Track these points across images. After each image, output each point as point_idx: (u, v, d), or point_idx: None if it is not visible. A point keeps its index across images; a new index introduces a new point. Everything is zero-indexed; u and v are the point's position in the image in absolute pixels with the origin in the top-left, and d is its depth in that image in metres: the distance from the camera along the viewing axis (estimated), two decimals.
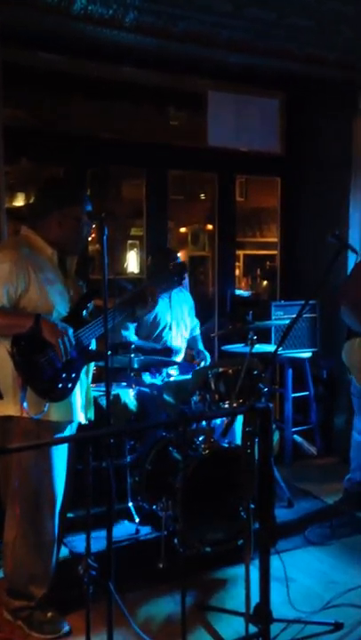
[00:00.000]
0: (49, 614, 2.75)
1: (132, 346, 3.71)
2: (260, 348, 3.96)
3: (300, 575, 3.18)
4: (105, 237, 2.50)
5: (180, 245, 9.80)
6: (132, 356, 3.68)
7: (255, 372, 3.66)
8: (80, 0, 3.45)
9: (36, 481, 2.67)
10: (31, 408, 2.56)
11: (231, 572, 3.19)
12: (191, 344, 4.38)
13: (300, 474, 4.63)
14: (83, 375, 2.77)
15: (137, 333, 4.09)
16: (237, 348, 4.24)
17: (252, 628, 2.46)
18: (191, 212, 9.57)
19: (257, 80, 4.84)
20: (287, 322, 3.83)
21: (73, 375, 2.66)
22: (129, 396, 3.76)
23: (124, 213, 8.07)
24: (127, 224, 8.39)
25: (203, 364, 4.23)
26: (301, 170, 5.38)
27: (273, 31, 3.94)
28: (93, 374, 3.01)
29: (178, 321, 4.23)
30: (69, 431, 2.76)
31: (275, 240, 5.81)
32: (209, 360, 4.28)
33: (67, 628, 2.75)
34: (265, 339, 4.54)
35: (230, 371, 3.65)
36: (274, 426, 4.80)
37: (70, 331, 2.59)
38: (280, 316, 4.80)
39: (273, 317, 4.81)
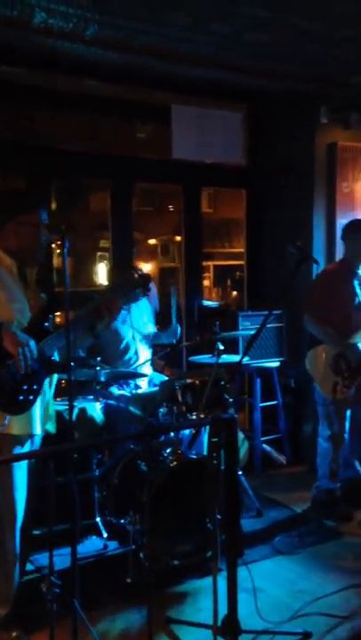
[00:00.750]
0: (13, 634, 2.70)
1: (98, 359, 3.69)
2: (227, 358, 3.97)
3: (269, 585, 3.19)
4: (66, 250, 2.49)
5: (150, 257, 9.82)
6: (98, 368, 3.66)
7: (222, 383, 3.67)
8: (40, 13, 3.45)
9: None
10: None
11: (200, 584, 3.18)
12: (155, 339, 4.34)
13: (270, 483, 4.65)
14: (46, 387, 2.74)
15: (101, 350, 4.03)
16: (205, 358, 4.24)
17: None
18: (160, 224, 9.60)
19: (220, 93, 4.90)
20: (253, 332, 3.86)
21: (35, 387, 2.64)
22: (95, 409, 3.73)
23: (91, 225, 8.06)
24: (95, 236, 8.38)
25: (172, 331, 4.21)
26: (266, 182, 5.45)
27: (233, 46, 3.99)
28: (59, 387, 2.98)
29: (140, 330, 4.21)
30: (29, 445, 2.72)
31: (242, 250, 5.85)
32: (179, 331, 4.26)
33: None
34: (233, 349, 4.56)
35: (197, 382, 3.66)
36: (243, 436, 4.82)
37: (32, 342, 2.56)
38: (247, 327, 4.83)
39: (240, 328, 4.84)
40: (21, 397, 2.58)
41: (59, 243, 2.57)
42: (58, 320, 3.23)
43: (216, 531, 2.71)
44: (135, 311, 4.22)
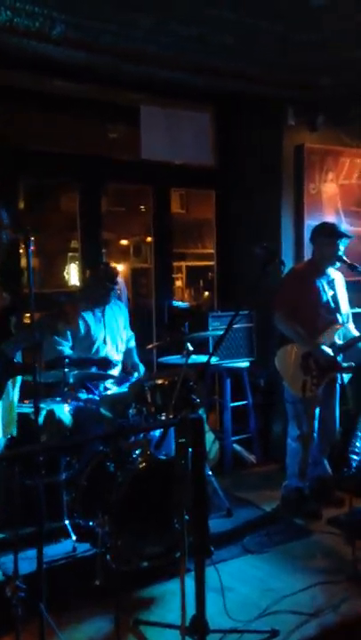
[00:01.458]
0: None
1: (67, 360, 3.66)
2: (197, 358, 3.98)
3: (238, 584, 3.20)
4: (30, 250, 2.47)
5: (122, 257, 9.78)
6: (67, 370, 3.64)
7: (191, 383, 3.68)
8: (5, 12, 3.42)
9: None
10: None
11: (169, 585, 3.17)
12: (126, 356, 4.36)
13: (240, 482, 4.67)
14: (9, 388, 2.71)
15: (73, 349, 4.04)
16: (175, 359, 4.24)
17: None
18: (132, 224, 9.58)
19: (188, 95, 4.92)
20: (222, 332, 3.87)
21: None
22: (64, 411, 3.71)
23: (62, 225, 8.01)
24: (66, 236, 8.32)
25: (136, 376, 4.22)
26: (235, 183, 5.48)
27: (197, 47, 4.00)
28: (25, 390, 2.96)
29: (113, 335, 4.21)
30: None
31: (214, 251, 5.87)
32: (142, 372, 4.27)
33: None
34: (203, 350, 4.57)
35: (166, 382, 3.66)
36: (214, 436, 4.84)
37: None
38: (217, 327, 4.85)
39: (210, 328, 4.85)
40: None
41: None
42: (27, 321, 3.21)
43: (184, 532, 2.71)
44: (109, 314, 4.21)
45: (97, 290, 4.15)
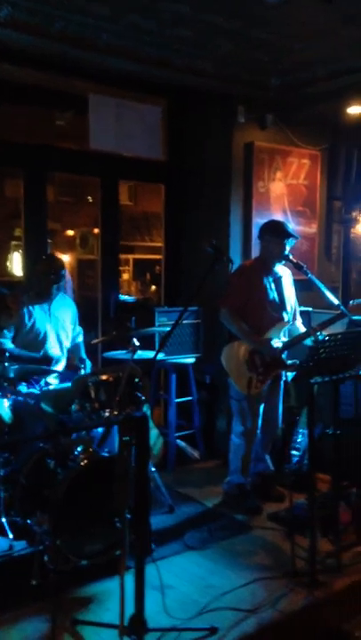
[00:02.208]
0: None
1: (7, 354, 3.56)
2: (142, 354, 3.94)
3: (178, 581, 3.19)
4: None
5: (69, 248, 9.62)
6: (7, 364, 3.53)
7: (136, 380, 3.64)
8: None
9: None
10: None
11: (108, 584, 3.13)
12: (73, 351, 4.29)
13: (183, 478, 4.67)
14: None
15: (14, 341, 3.94)
16: (120, 354, 4.20)
17: None
18: (80, 215, 9.43)
19: (139, 86, 4.84)
20: (170, 328, 3.85)
21: None
22: (3, 406, 3.60)
23: (5, 213, 7.79)
24: (10, 224, 8.11)
25: (83, 371, 4.14)
26: (185, 177, 5.45)
27: (152, 39, 3.95)
28: None
29: (57, 329, 4.12)
30: None
31: (162, 245, 5.84)
32: (89, 368, 4.20)
33: None
34: (149, 345, 4.54)
35: (111, 378, 3.60)
36: (157, 432, 4.82)
37: None
38: (164, 322, 4.82)
39: (157, 323, 4.82)
40: None
41: None
42: None
43: (125, 530, 2.68)
44: (56, 307, 4.11)
45: (41, 282, 4.05)
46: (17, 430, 3.64)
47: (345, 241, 5.95)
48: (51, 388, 3.91)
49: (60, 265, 4.10)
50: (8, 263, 8.65)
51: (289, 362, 4.06)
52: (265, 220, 4.42)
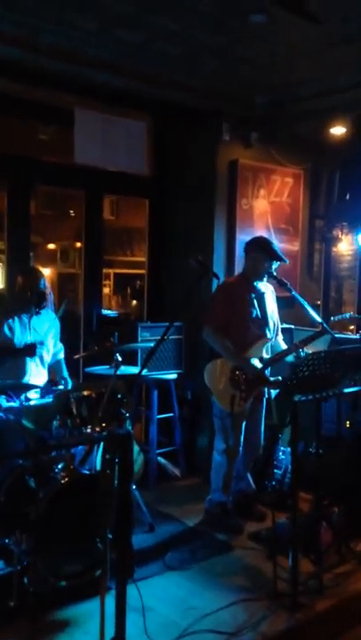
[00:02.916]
0: None
1: None
2: (125, 369, 3.90)
3: (158, 603, 3.13)
4: None
5: (49, 262, 9.57)
6: None
7: (119, 396, 3.59)
8: None
9: None
10: None
11: (88, 605, 3.06)
12: (55, 368, 4.21)
13: (164, 496, 4.61)
14: None
15: None
16: (102, 369, 4.14)
17: None
18: (61, 229, 9.40)
19: (124, 101, 4.85)
20: (153, 343, 3.82)
21: None
22: None
23: None
24: None
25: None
26: (169, 193, 5.46)
27: (139, 54, 3.96)
28: None
29: (38, 341, 4.05)
30: None
31: (144, 260, 5.82)
32: (70, 387, 4.13)
33: None
34: (131, 360, 4.50)
35: (93, 394, 3.55)
36: (138, 448, 4.76)
37: None
38: (146, 338, 4.80)
39: (139, 339, 4.79)
40: None
41: None
42: None
43: (106, 550, 2.62)
44: (37, 322, 4.04)
45: (22, 296, 3.99)
46: None
47: (326, 259, 6.01)
48: (31, 403, 3.84)
49: (40, 277, 4.05)
50: None
51: (272, 379, 4.05)
52: (248, 237, 4.42)
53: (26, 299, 3.94)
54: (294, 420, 3.27)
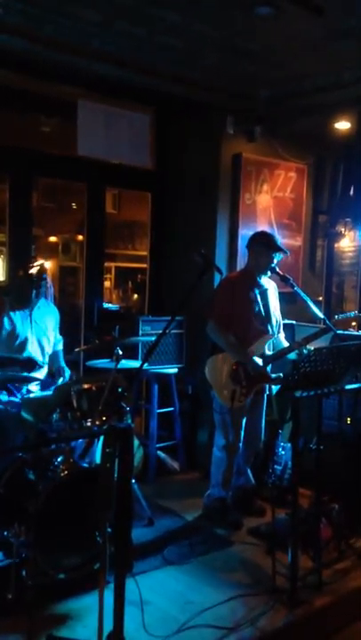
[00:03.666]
0: None
1: None
2: (126, 363, 3.90)
3: (157, 597, 3.13)
4: None
5: (51, 254, 9.53)
6: None
7: (119, 390, 3.58)
8: None
9: None
10: None
11: (87, 599, 3.06)
12: (53, 359, 4.21)
13: (163, 490, 4.61)
14: None
15: None
16: (103, 363, 4.14)
17: None
18: (62, 222, 9.36)
19: (128, 94, 4.82)
20: (154, 337, 3.81)
21: None
22: None
23: None
24: None
25: (61, 380, 4.07)
26: (172, 186, 5.43)
27: (143, 47, 3.93)
28: None
29: (39, 335, 4.04)
30: None
31: (146, 254, 5.80)
32: (68, 377, 4.13)
33: None
34: (132, 354, 4.49)
35: (94, 387, 3.54)
36: (138, 442, 4.76)
37: None
38: (147, 332, 4.78)
39: (140, 333, 4.78)
40: None
41: None
42: None
43: (105, 544, 2.61)
44: (38, 314, 4.04)
45: (23, 288, 3.98)
46: None
47: (329, 255, 5.98)
48: (32, 395, 3.83)
49: (42, 271, 4.04)
50: None
51: (273, 375, 4.04)
52: (251, 232, 4.40)
53: (26, 292, 3.93)
54: (295, 416, 3.26)
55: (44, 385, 3.99)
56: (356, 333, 4.81)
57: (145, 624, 2.81)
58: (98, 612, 2.44)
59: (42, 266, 4.16)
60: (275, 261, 4.04)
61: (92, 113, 4.78)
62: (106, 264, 9.69)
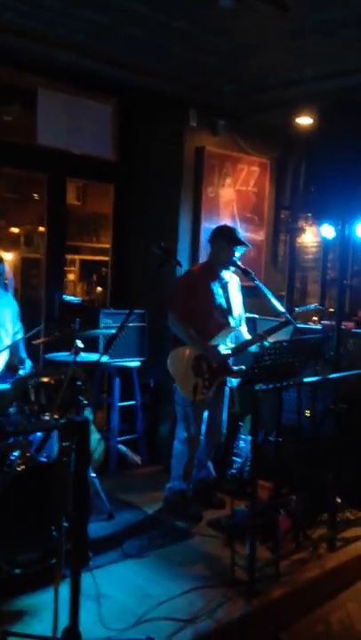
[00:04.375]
0: None
1: None
2: (86, 356, 3.85)
3: (115, 591, 3.11)
4: None
5: (13, 246, 9.37)
6: None
7: (78, 383, 3.54)
8: None
9: None
10: None
11: (44, 594, 3.01)
12: (13, 350, 4.14)
13: (124, 484, 4.59)
14: None
15: None
16: (63, 356, 4.08)
17: None
18: (24, 213, 9.20)
19: (90, 84, 4.76)
20: (115, 330, 3.77)
21: None
22: None
23: None
24: None
25: (22, 371, 4.00)
26: (135, 178, 5.39)
27: (105, 36, 3.87)
28: None
29: None
30: None
31: (109, 246, 5.75)
32: (29, 368, 4.07)
33: None
34: (93, 347, 4.45)
35: (52, 381, 3.50)
36: (99, 436, 4.73)
37: None
38: (109, 324, 4.74)
39: (101, 325, 4.73)
40: None
41: None
42: None
43: (61, 538, 2.59)
44: None
45: None
46: None
47: (291, 250, 6.03)
48: None
49: None
50: None
51: (235, 368, 4.05)
52: (214, 225, 4.40)
53: None
54: (255, 409, 3.28)
55: (1, 378, 3.91)
56: (315, 327, 4.86)
57: (102, 618, 2.80)
58: (54, 607, 2.41)
59: None
60: (237, 255, 4.04)
61: (53, 102, 4.70)
62: (70, 257, 9.61)
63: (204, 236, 4.92)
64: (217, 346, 3.98)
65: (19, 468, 3.13)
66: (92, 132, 4.99)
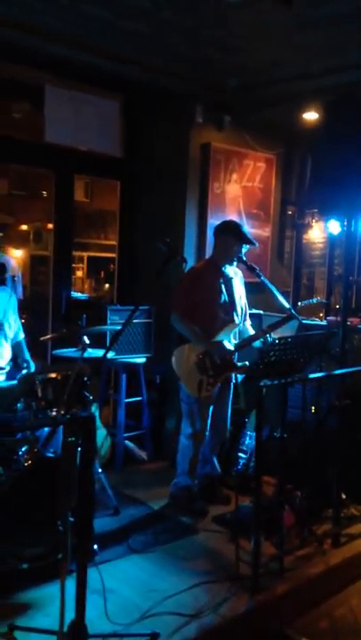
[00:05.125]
0: None
1: None
2: (93, 352, 3.87)
3: (120, 585, 3.14)
4: None
5: (22, 243, 9.42)
6: None
7: (85, 379, 3.57)
8: None
9: None
10: None
11: (49, 588, 3.05)
12: (15, 350, 4.15)
13: (130, 480, 4.61)
14: None
15: None
16: (70, 352, 4.11)
17: None
18: (34, 210, 9.25)
19: (96, 80, 4.76)
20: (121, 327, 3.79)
21: None
22: None
23: None
24: None
25: (27, 371, 4.02)
26: (141, 175, 5.40)
27: (110, 32, 3.87)
28: None
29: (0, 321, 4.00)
30: None
31: (116, 243, 5.77)
32: (34, 369, 4.08)
33: None
34: (100, 343, 4.47)
35: (59, 377, 3.52)
36: (106, 432, 4.76)
37: None
38: (115, 321, 4.76)
39: (108, 322, 4.75)
40: None
41: None
42: None
43: (67, 533, 2.61)
44: None
45: None
46: None
47: (297, 246, 6.02)
48: None
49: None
50: None
51: (239, 364, 4.06)
52: (220, 221, 4.40)
53: None
54: (259, 405, 3.28)
55: (8, 374, 3.95)
56: (320, 323, 4.86)
57: (107, 612, 2.82)
58: (60, 601, 2.44)
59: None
60: (242, 251, 4.04)
61: (60, 99, 4.71)
62: (78, 253, 9.65)
63: (210, 232, 4.91)
64: (221, 342, 3.99)
65: (26, 464, 3.16)
66: (98, 129, 5.00)
